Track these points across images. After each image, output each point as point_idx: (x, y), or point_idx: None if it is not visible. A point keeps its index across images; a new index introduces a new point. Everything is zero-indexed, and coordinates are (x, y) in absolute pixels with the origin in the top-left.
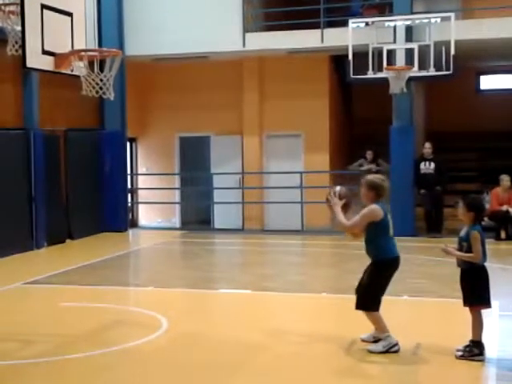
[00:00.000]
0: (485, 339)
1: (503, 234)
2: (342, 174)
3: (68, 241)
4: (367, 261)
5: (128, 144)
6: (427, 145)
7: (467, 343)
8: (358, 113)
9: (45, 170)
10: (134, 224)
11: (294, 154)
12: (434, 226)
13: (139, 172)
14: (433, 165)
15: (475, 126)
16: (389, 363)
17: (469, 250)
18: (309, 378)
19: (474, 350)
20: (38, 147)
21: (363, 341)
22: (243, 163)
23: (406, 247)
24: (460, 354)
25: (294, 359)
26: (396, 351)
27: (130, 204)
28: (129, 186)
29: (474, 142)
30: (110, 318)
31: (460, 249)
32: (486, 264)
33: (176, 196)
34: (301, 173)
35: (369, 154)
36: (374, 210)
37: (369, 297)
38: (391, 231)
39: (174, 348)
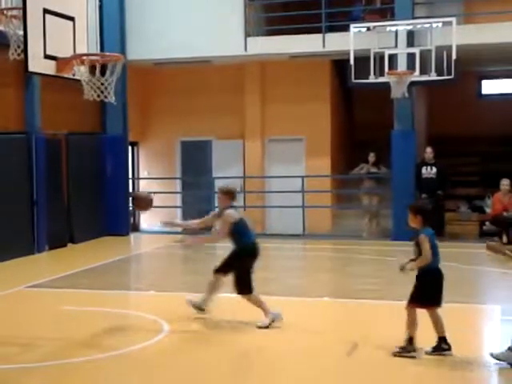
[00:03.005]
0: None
1: (505, 239)
2: (343, 179)
3: (69, 245)
4: (369, 265)
5: (130, 148)
6: (429, 149)
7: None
8: (360, 117)
9: (46, 174)
10: (135, 228)
11: (295, 158)
12: (435, 230)
13: (141, 176)
14: (434, 169)
15: (477, 130)
16: (389, 366)
17: (421, 254)
18: (309, 382)
19: (409, 348)
20: (40, 151)
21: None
22: (245, 167)
23: (408, 251)
24: (397, 350)
25: (294, 363)
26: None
27: (131, 208)
28: (130, 190)
29: (475, 147)
30: (112, 322)
31: (415, 254)
32: (489, 268)
33: (177, 200)
34: (302, 177)
35: (371, 157)
36: (227, 214)
37: (243, 282)
38: (250, 227)
39: (175, 352)
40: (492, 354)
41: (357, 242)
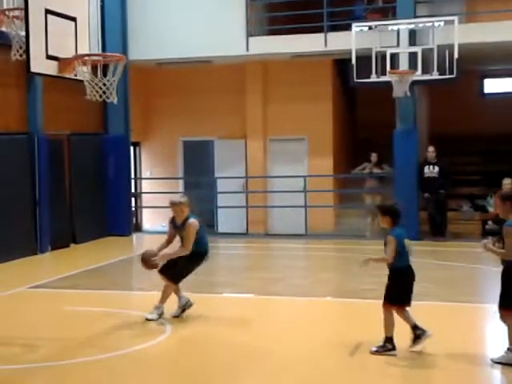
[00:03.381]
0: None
1: None
2: (345, 178)
3: (72, 245)
4: (371, 265)
5: (132, 148)
6: (431, 148)
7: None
8: (362, 116)
9: (49, 174)
10: (137, 228)
11: (297, 157)
12: (438, 229)
13: (143, 176)
14: (436, 168)
15: (479, 129)
16: (392, 367)
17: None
18: (311, 382)
19: (388, 346)
20: (42, 151)
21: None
22: (247, 167)
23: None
24: (374, 349)
25: (297, 363)
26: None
27: (133, 208)
28: (132, 190)
29: (477, 146)
30: (114, 323)
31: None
32: (492, 268)
33: None
34: (304, 177)
35: (373, 157)
36: (193, 225)
37: (177, 274)
38: (206, 235)
39: (177, 352)
40: (493, 360)
41: (360, 241)
